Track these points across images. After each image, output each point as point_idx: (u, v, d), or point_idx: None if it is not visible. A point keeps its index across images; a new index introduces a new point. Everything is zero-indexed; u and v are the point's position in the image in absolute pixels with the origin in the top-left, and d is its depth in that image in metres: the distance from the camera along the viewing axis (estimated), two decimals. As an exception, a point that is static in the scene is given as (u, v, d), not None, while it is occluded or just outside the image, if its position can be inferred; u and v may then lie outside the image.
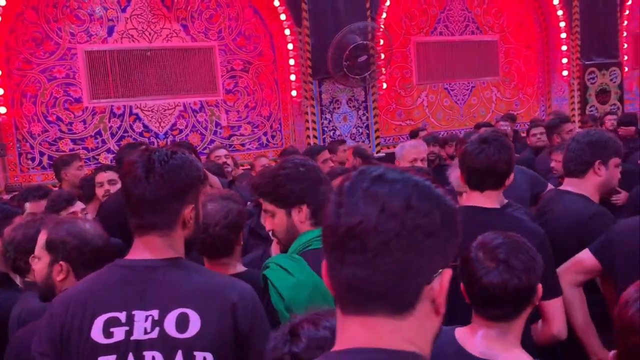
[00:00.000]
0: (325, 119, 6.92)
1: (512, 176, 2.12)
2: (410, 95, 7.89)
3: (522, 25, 8.42)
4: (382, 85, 7.30)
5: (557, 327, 1.92)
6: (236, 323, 1.33)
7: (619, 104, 8.35)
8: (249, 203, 3.04)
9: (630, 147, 4.63)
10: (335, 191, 0.79)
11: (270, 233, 1.80)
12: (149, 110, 6.47)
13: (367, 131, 7.18)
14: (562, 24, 8.03)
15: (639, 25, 9.05)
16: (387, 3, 7.04)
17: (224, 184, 3.40)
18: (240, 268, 1.90)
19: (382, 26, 6.99)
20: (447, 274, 0.78)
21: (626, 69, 8.54)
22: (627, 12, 8.40)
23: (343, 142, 5.96)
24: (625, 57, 8.54)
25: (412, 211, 0.74)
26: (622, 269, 2.07)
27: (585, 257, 2.12)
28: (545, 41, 8.46)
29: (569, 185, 2.41)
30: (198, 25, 6.61)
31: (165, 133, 6.53)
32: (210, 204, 1.79)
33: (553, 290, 1.93)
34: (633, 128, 5.68)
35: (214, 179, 2.92)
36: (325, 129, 6.92)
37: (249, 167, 5.67)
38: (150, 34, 6.39)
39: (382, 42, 6.99)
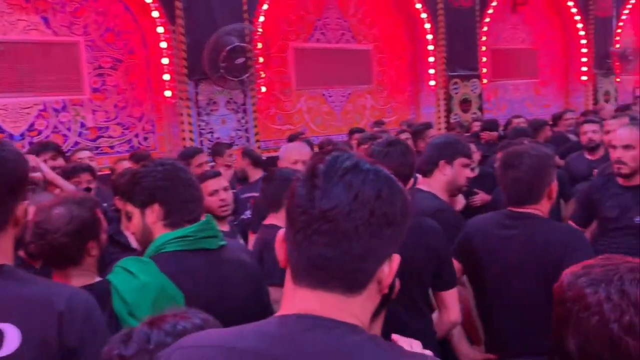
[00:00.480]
0: (202, 121, 6.72)
1: (412, 181, 2.19)
2: (289, 100, 7.94)
3: (393, 37, 8.85)
4: (261, 89, 7.26)
5: (455, 314, 2.08)
6: (61, 335, 1.18)
7: (479, 112, 9.08)
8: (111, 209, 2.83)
9: (491, 151, 5.02)
10: (307, 173, 0.84)
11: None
12: (2, 109, 5.84)
13: (247, 134, 7.09)
14: (430, 37, 8.57)
15: (495, 41, 9.93)
16: (265, 6, 7.02)
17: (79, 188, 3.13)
18: (95, 279, 1.74)
19: (260, 29, 6.96)
20: (396, 258, 0.87)
21: (485, 80, 9.31)
22: (485, 28, 9.16)
23: (230, 145, 5.81)
24: (484, 70, 9.31)
25: (380, 201, 0.81)
26: (479, 263, 2.20)
27: None
28: (414, 52, 8.97)
29: (422, 184, 2.59)
30: (61, 18, 6.11)
31: (22, 134, 5.94)
32: (57, 208, 1.61)
33: (452, 281, 2.09)
34: (495, 133, 6.16)
35: (63, 182, 2.68)
36: (202, 131, 6.72)
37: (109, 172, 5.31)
38: (3, 25, 5.78)
39: (259, 45, 6.95)
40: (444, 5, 8.55)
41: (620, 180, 2.96)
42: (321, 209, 0.80)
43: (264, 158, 5.30)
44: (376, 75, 8.78)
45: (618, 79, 11.21)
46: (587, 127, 4.71)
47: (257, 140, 7.17)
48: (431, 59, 8.69)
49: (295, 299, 0.84)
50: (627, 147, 2.85)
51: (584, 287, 1.03)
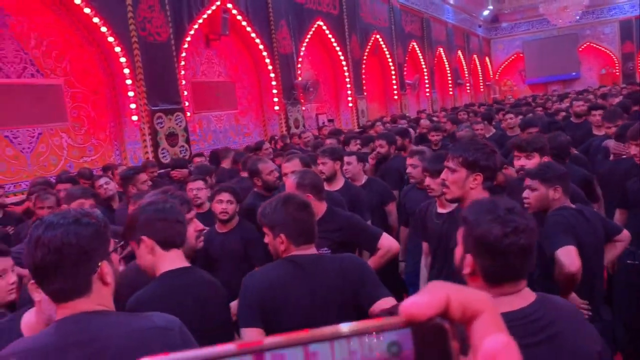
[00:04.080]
0: None
1: None
2: (-40, 145, 6.64)
3: (87, 70, 8.24)
4: None
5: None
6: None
7: (186, 145, 9.12)
8: None
9: (183, 188, 5.04)
10: None
11: None
12: None
13: None
14: (127, 71, 8.24)
15: (194, 74, 10.16)
16: None
17: None
18: None
19: None
20: None
21: (188, 113, 9.42)
22: (182, 62, 9.28)
23: None
24: (187, 103, 9.41)
25: None
26: None
27: None
28: (112, 87, 8.52)
29: None
30: None
31: None
32: None
33: None
34: (186, 170, 6.16)
35: None
36: None
37: None
38: None
39: None
40: (138, 39, 8.34)
41: None
42: None
43: None
44: (71, 112, 8.03)
45: (303, 108, 12.72)
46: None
47: None
48: (131, 94, 8.37)
49: None
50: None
51: None
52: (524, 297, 1.52)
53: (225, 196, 3.61)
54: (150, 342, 1.41)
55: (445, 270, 2.91)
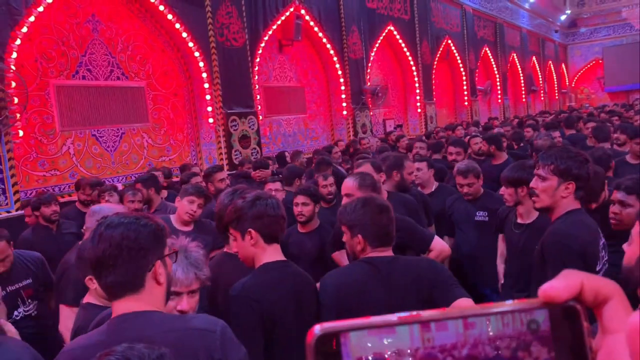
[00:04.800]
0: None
1: None
2: (53, 142, 7.13)
3: (167, 74, 8.65)
4: (18, 133, 6.38)
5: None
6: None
7: (257, 148, 9.37)
8: None
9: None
10: None
11: None
12: None
13: (2, 185, 6.14)
14: (205, 75, 8.58)
15: (266, 79, 10.42)
16: (17, 42, 6.23)
17: None
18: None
19: (13, 67, 6.14)
20: None
21: (260, 117, 9.67)
22: (256, 68, 9.55)
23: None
24: (259, 107, 9.67)
25: None
26: None
27: None
28: (190, 90, 8.89)
29: None
30: None
31: None
32: None
33: None
34: (268, 171, 6.33)
35: None
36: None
37: None
38: None
39: (13, 84, 6.12)
40: (215, 45, 8.67)
41: None
42: None
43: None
44: (152, 113, 8.45)
45: (371, 113, 12.73)
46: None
47: (17, 192, 6.26)
48: (208, 97, 8.70)
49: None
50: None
51: None
52: None
53: (300, 199, 3.64)
54: (189, 342, 1.49)
55: (522, 280, 2.85)
